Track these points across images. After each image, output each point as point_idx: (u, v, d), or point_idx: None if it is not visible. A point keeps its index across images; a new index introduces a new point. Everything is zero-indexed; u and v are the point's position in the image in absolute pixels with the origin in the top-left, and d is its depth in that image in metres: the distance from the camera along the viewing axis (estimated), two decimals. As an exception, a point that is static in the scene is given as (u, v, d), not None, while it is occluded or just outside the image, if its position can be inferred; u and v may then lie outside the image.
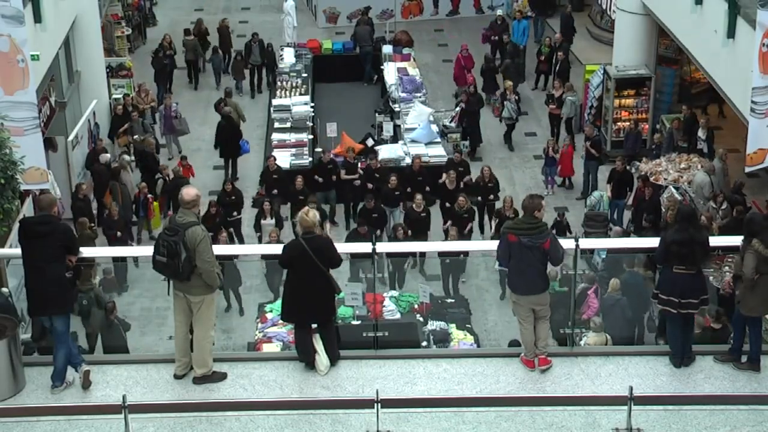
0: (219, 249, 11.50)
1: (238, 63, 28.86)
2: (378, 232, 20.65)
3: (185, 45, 29.80)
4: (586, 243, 12.79)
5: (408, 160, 23.66)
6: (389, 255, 15.48)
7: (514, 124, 26.18)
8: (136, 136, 24.38)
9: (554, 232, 21.07)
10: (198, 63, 30.16)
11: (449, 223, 20.84)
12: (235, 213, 21.50)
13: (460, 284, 18.91)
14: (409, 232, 19.93)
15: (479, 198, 21.97)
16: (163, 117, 25.50)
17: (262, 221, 20.95)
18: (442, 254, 17.66)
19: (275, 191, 21.99)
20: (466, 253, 18.12)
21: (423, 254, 18.32)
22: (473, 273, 19.26)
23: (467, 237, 20.73)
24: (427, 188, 22.14)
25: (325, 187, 22.66)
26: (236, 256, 15.95)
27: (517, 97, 26.10)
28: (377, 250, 11.74)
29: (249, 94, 29.08)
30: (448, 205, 21.70)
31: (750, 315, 11.20)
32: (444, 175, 22.20)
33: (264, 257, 15.69)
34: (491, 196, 21.97)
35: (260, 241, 20.69)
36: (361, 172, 22.76)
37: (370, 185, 22.41)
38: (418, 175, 22.49)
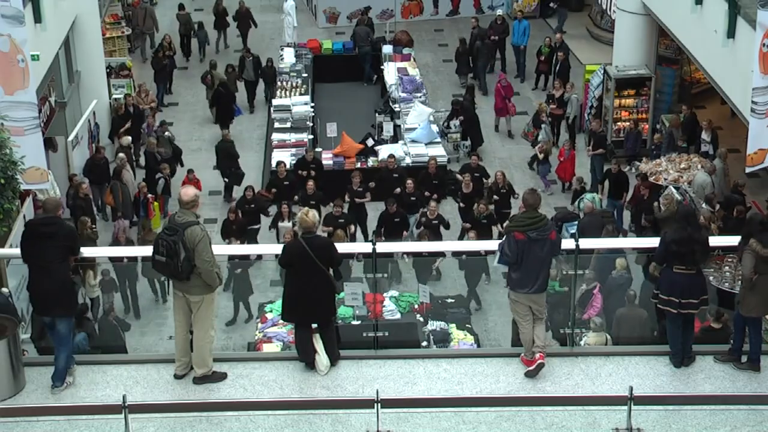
0: (219, 249, 11.49)
1: (230, 75, 28.08)
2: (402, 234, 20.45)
3: (178, 18, 30.75)
4: (586, 243, 12.74)
5: (408, 161, 23.65)
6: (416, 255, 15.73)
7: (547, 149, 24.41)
8: (163, 150, 23.73)
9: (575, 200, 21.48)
10: (190, 37, 30.98)
11: (468, 227, 20.37)
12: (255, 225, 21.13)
13: (483, 285, 18.23)
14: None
15: (492, 205, 21.04)
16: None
17: (280, 223, 20.66)
18: (455, 254, 17.25)
19: (284, 199, 21.58)
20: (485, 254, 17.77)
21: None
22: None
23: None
24: (452, 187, 22.19)
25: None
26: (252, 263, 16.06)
27: (550, 119, 25.03)
28: (377, 250, 11.73)
29: (247, 109, 28.21)
30: (462, 205, 21.50)
31: (750, 315, 11.21)
32: (460, 177, 21.96)
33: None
34: (505, 209, 20.77)
35: (277, 240, 20.51)
36: (369, 196, 21.95)
37: (371, 183, 22.11)
38: (433, 178, 22.38)
